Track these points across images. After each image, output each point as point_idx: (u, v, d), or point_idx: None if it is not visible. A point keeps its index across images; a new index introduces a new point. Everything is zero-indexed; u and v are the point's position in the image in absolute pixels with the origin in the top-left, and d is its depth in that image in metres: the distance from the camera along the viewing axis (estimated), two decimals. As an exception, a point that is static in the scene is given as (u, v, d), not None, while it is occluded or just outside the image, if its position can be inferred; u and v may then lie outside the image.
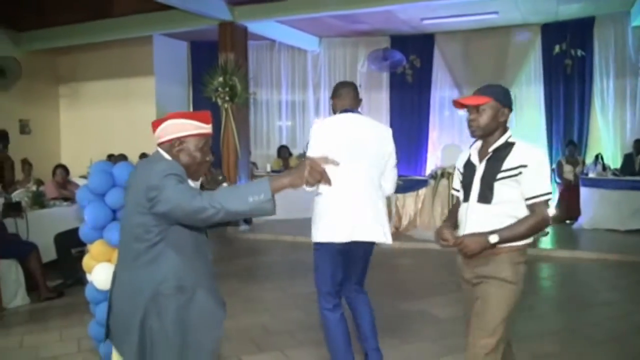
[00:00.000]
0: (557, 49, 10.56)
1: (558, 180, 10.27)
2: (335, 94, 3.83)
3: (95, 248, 3.95)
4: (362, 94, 12.05)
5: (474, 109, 2.82)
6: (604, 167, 9.66)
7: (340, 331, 3.62)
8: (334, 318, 3.64)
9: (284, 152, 11.66)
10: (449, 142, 10.98)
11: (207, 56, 11.57)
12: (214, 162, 2.52)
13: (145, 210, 2.20)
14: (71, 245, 6.53)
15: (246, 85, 9.24)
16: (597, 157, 9.90)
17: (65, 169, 7.75)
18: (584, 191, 9.44)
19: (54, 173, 7.71)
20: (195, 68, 12.23)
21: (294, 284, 6.54)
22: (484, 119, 2.80)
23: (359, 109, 3.79)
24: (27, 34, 11.02)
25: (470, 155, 2.96)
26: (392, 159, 3.75)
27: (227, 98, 8.80)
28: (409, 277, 6.94)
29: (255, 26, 9.95)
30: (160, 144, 2.39)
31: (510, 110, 2.85)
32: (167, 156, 2.35)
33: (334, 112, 3.82)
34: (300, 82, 12.74)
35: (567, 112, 10.81)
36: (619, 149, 10.53)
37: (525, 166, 2.72)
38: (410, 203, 9.15)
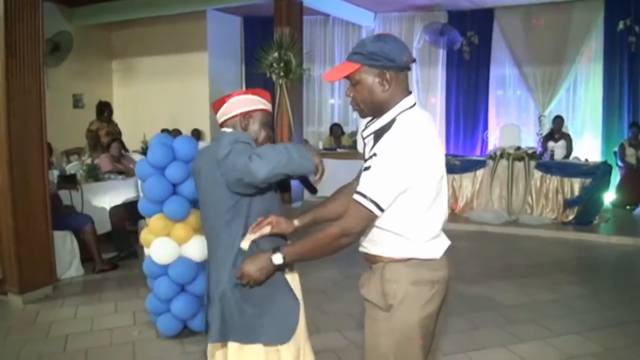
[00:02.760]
0: (621, 25, 10.03)
1: (620, 163, 9.84)
2: None
3: (154, 222, 3.86)
4: (417, 71, 11.70)
5: (350, 83, 2.11)
6: (668, 150, 9.22)
7: None
8: None
9: (336, 129, 11.45)
10: (508, 122, 10.59)
11: (260, 32, 11.43)
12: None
13: (221, 188, 2.23)
14: (126, 219, 6.53)
15: (301, 60, 9.04)
16: (660, 139, 9.46)
17: (121, 143, 7.75)
18: (646, 175, 9.04)
19: (108, 146, 7.70)
20: (248, 43, 12.06)
21: (351, 267, 6.37)
22: (362, 92, 2.06)
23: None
24: (79, 9, 10.98)
25: None
26: None
27: (281, 74, 8.62)
28: (468, 261, 6.70)
29: (310, 0, 9.74)
30: (224, 122, 2.42)
31: (398, 69, 2.04)
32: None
33: None
34: (354, 59, 12.40)
35: (632, 92, 10.29)
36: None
37: (376, 155, 2.00)
38: (467, 184, 8.89)
